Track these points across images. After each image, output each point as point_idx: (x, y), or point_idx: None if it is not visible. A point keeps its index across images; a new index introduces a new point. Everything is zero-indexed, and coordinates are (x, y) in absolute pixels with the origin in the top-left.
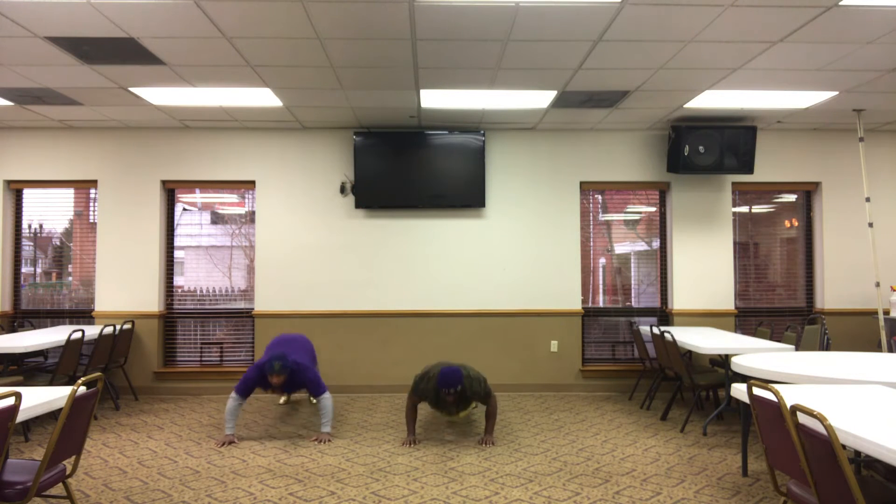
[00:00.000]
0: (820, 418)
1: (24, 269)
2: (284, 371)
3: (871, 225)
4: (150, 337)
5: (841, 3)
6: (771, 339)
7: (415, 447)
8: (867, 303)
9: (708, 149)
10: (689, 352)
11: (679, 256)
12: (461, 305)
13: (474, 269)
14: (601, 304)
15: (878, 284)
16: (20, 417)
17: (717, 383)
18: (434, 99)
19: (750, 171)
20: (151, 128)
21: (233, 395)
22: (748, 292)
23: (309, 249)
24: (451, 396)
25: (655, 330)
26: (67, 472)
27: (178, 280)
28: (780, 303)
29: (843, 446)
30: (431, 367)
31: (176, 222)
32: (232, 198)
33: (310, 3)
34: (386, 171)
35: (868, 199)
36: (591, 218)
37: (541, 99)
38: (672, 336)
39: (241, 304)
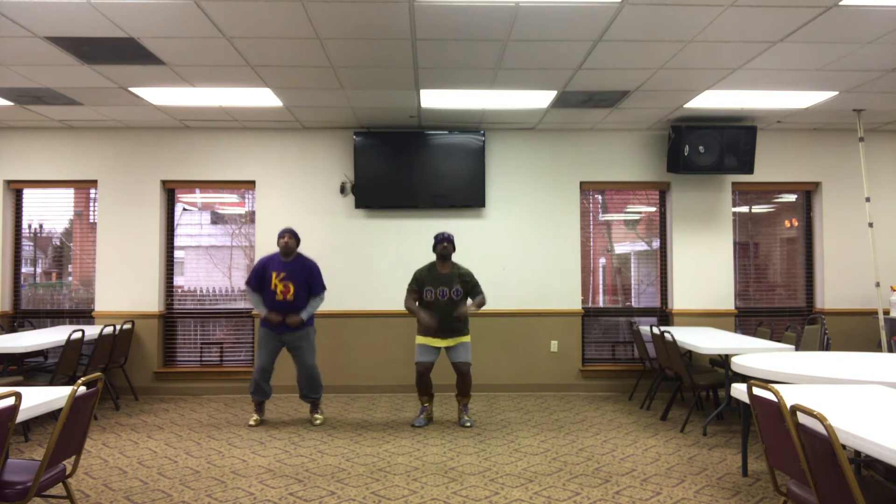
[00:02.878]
0: (820, 418)
1: (24, 269)
2: (293, 236)
3: (871, 225)
4: (150, 337)
5: (841, 3)
6: (771, 339)
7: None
8: (867, 303)
9: (708, 149)
10: (689, 352)
11: (679, 256)
12: None
13: (474, 269)
14: (601, 304)
15: (878, 284)
16: (20, 417)
17: (717, 383)
18: (434, 99)
19: (750, 171)
20: (151, 128)
21: (247, 288)
22: (748, 292)
23: (309, 249)
24: (447, 244)
25: (655, 330)
26: (67, 472)
27: (178, 280)
28: (780, 303)
29: (843, 446)
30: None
31: (176, 222)
32: (232, 198)
33: (310, 3)
34: (386, 171)
35: (868, 199)
36: (591, 218)
37: (541, 99)
38: (672, 336)
39: (241, 304)
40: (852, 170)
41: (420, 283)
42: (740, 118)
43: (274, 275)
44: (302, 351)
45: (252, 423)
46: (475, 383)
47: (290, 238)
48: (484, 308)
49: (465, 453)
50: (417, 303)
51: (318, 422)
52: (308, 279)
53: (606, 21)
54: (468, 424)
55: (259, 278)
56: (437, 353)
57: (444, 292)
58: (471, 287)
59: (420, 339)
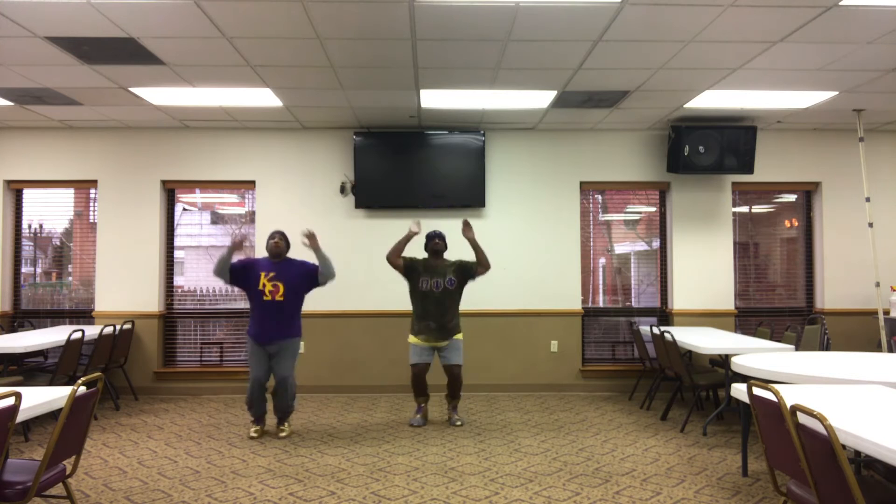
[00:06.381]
0: (820, 418)
1: (24, 269)
2: (284, 238)
3: (871, 225)
4: (150, 337)
5: (841, 3)
6: (771, 339)
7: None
8: (867, 303)
9: (708, 149)
10: (689, 352)
11: (679, 256)
12: (461, 305)
13: None
14: (601, 304)
15: (878, 284)
16: (20, 417)
17: (717, 383)
18: (434, 99)
19: (750, 171)
20: (151, 128)
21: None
22: (748, 292)
23: (308, 249)
24: (438, 241)
25: (655, 330)
26: (67, 472)
27: (178, 280)
28: (780, 303)
29: (843, 446)
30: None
31: (176, 222)
32: (232, 198)
33: (310, 3)
34: (386, 171)
35: (868, 199)
36: (591, 218)
37: (541, 99)
38: (672, 336)
39: (241, 304)
40: (852, 170)
41: (413, 263)
42: (740, 118)
43: (262, 274)
44: (281, 360)
45: (253, 433)
46: (475, 383)
47: (280, 239)
48: (484, 308)
49: (465, 453)
50: (410, 294)
51: (283, 434)
52: (299, 277)
53: (606, 21)
54: (459, 423)
55: (242, 272)
56: (432, 354)
57: (438, 283)
58: (466, 266)
59: (413, 339)
